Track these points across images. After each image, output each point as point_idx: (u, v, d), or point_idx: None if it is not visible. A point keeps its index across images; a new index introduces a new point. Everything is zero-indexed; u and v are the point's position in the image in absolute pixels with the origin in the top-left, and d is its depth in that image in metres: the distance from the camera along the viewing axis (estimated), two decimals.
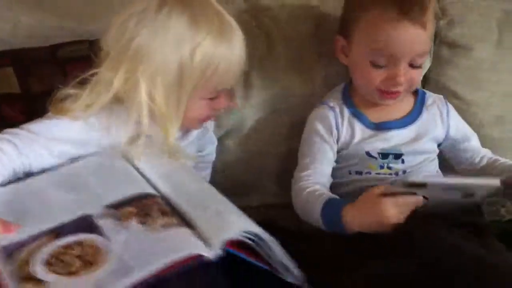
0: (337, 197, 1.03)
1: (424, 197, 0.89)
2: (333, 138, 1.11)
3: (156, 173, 0.87)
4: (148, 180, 0.86)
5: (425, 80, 1.28)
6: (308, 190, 1.04)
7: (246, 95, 1.22)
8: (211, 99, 0.99)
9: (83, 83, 0.94)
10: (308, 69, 1.24)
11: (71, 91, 0.94)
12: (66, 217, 0.75)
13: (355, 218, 0.93)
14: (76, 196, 0.81)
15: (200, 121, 1.04)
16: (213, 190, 0.87)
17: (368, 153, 1.09)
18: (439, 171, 1.14)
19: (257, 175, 1.26)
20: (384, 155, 1.09)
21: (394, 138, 1.09)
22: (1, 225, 0.76)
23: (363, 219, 0.92)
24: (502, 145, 1.23)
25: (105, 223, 0.74)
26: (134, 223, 0.73)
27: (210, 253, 0.69)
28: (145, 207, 0.77)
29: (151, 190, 0.82)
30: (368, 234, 0.92)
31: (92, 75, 0.93)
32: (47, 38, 1.18)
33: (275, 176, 1.26)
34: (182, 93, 0.94)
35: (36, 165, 0.91)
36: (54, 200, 0.80)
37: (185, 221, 0.76)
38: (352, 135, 1.11)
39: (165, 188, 0.84)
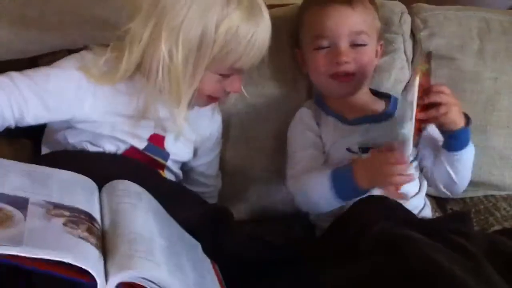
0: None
1: None
2: (314, 135, 1.14)
3: (110, 208, 0.83)
4: (100, 209, 0.83)
5: (407, 88, 1.28)
6: (305, 173, 1.07)
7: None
8: (224, 76, 0.99)
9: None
10: (292, 80, 1.25)
11: (106, 55, 0.97)
12: (5, 190, 0.76)
13: (365, 177, 1.00)
14: (29, 183, 0.80)
15: (207, 98, 1.03)
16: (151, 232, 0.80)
17: (349, 149, 1.11)
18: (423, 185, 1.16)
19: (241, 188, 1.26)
20: (364, 149, 1.11)
21: (371, 131, 1.13)
22: None
23: (371, 179, 1.00)
24: (485, 153, 1.26)
25: (33, 209, 0.74)
26: (56, 220, 0.73)
27: (99, 281, 0.66)
28: (79, 219, 0.76)
29: (96, 215, 0.79)
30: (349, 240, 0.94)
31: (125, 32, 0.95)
32: (26, 52, 1.14)
33: (261, 188, 1.26)
34: (200, 61, 0.94)
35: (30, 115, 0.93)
36: (9, 176, 0.80)
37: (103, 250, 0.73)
38: (330, 132, 1.14)
39: (107, 221, 0.80)
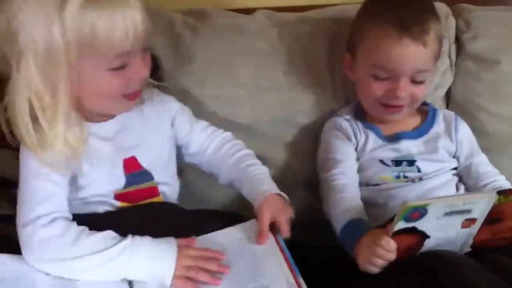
0: (360, 217, 1.01)
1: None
2: (351, 144, 1.13)
3: None
4: None
5: (449, 94, 1.27)
6: (338, 195, 1.05)
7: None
8: (117, 69, 0.93)
9: None
10: (330, 87, 1.23)
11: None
12: None
13: (358, 254, 0.92)
14: None
15: (123, 97, 0.97)
16: None
17: (382, 161, 1.10)
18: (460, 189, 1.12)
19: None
20: (398, 162, 1.10)
21: (406, 147, 1.11)
22: None
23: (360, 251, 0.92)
24: None
25: None
26: None
27: None
28: None
29: None
30: None
31: None
32: None
33: (301, 193, 1.24)
34: (59, 74, 0.89)
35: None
36: None
37: None
38: (366, 143, 1.13)
39: None
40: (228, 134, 1.13)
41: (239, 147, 1.11)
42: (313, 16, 1.27)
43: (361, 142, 1.13)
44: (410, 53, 1.03)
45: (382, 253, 0.87)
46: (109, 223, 0.95)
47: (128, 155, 1.02)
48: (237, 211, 1.18)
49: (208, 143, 1.11)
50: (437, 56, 1.11)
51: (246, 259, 0.93)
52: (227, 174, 1.09)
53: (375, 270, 0.89)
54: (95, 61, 0.91)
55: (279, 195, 1.02)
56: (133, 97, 0.99)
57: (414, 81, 1.07)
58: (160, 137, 1.07)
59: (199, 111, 1.17)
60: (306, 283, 0.90)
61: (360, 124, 1.15)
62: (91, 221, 0.95)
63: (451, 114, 1.18)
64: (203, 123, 1.12)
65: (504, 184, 1.11)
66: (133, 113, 1.03)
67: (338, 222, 1.00)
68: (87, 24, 0.87)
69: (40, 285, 0.87)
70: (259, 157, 1.20)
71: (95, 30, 0.88)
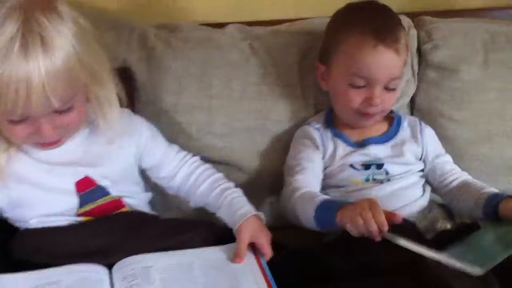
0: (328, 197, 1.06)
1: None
2: (319, 152, 1.17)
3: None
4: None
5: (413, 101, 1.32)
6: (299, 192, 1.08)
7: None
8: (18, 122, 0.89)
9: None
10: (301, 96, 1.28)
11: None
12: None
13: (343, 211, 0.95)
14: None
15: (27, 142, 0.97)
16: None
17: (352, 166, 1.15)
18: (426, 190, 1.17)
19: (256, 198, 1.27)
20: (367, 166, 1.15)
21: (374, 152, 1.16)
22: None
23: (344, 214, 0.94)
24: (491, 162, 1.27)
25: None
26: None
27: None
28: None
29: None
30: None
31: None
32: None
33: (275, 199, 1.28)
34: None
35: None
36: None
37: None
38: (335, 151, 1.17)
39: None
40: (196, 159, 1.15)
41: (210, 172, 1.13)
42: (283, 29, 1.32)
43: (329, 151, 1.17)
44: (385, 61, 1.09)
45: (369, 216, 0.89)
46: (75, 234, 0.99)
47: (80, 176, 1.02)
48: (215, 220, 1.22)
49: (178, 169, 1.12)
50: (406, 63, 1.17)
51: (226, 279, 0.95)
52: (200, 198, 1.11)
53: (354, 231, 0.92)
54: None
55: (257, 215, 1.05)
56: (50, 145, 0.97)
57: (387, 88, 1.12)
58: (119, 154, 1.06)
59: (174, 121, 1.21)
60: (286, 285, 0.93)
61: (329, 133, 1.19)
62: (57, 232, 0.99)
63: (415, 119, 1.24)
64: (174, 148, 1.14)
65: (468, 178, 1.17)
66: (88, 133, 1.03)
67: (309, 207, 1.02)
68: None
69: None
70: (235, 164, 1.24)
71: None
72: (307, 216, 1.03)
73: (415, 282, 0.88)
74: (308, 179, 1.12)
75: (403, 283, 0.89)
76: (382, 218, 0.89)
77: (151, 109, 1.20)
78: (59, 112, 0.90)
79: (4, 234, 1.02)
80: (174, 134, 1.22)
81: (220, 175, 1.13)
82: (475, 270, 0.88)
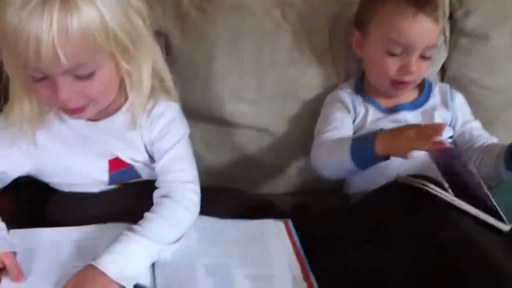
0: None
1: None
2: (350, 116, 1.19)
3: None
4: None
5: (444, 69, 1.33)
6: (332, 139, 1.11)
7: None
8: (40, 79, 0.89)
9: None
10: (331, 63, 1.29)
11: None
12: None
13: (385, 138, 1.02)
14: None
15: (53, 105, 0.97)
16: None
17: (382, 131, 1.15)
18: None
19: (285, 163, 1.32)
20: None
21: (404, 118, 1.18)
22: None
23: (391, 140, 1.01)
24: None
25: None
26: None
27: None
28: None
29: None
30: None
31: None
32: None
33: (303, 164, 1.31)
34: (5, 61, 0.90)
35: None
36: None
37: None
38: (366, 116, 1.19)
39: None
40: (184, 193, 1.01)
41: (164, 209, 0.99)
42: None
43: (360, 115, 1.19)
44: (424, 29, 1.10)
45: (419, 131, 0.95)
46: (108, 198, 1.03)
47: (112, 156, 1.03)
48: (245, 185, 1.27)
49: (162, 180, 1.02)
50: (441, 32, 1.18)
51: (256, 250, 0.98)
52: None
53: (406, 150, 0.97)
54: (16, 66, 0.89)
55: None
56: (73, 113, 0.95)
57: (423, 57, 1.13)
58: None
59: (208, 85, 1.24)
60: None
61: (360, 98, 1.21)
62: (89, 196, 1.04)
63: (445, 86, 1.25)
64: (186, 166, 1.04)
65: (496, 142, 1.17)
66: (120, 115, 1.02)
67: (343, 147, 1.05)
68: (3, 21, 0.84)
69: None
70: (262, 129, 1.28)
71: (6, 29, 0.84)
72: (342, 157, 1.05)
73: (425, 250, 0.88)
74: (339, 134, 1.14)
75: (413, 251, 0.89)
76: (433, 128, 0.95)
77: (186, 73, 1.23)
78: (79, 77, 0.89)
79: (41, 194, 1.08)
80: (207, 99, 1.26)
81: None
82: (503, 226, 0.90)
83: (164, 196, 0.98)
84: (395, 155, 1.00)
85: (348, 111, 1.19)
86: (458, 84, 1.29)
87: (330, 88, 1.27)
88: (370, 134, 1.06)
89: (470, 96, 1.27)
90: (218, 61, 1.25)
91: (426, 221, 0.92)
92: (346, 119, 1.18)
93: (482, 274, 0.80)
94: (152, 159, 1.04)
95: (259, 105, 1.27)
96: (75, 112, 0.95)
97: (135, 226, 0.92)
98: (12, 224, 0.95)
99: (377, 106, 1.20)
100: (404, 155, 0.98)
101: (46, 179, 1.06)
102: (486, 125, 1.23)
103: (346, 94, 1.21)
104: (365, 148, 1.03)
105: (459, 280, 0.80)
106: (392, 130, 1.06)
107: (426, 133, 0.95)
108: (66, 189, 1.06)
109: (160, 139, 1.02)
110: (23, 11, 0.82)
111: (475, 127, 1.21)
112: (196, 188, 1.00)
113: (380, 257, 0.88)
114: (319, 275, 0.92)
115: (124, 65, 0.93)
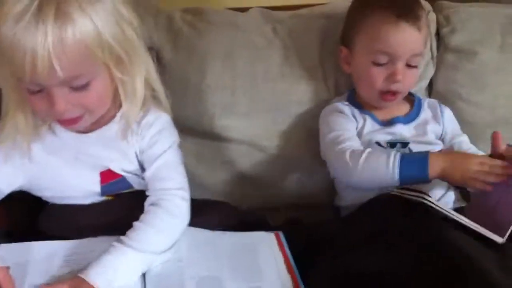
0: None
1: None
2: (354, 122, 1.20)
3: None
4: None
5: (431, 85, 1.35)
6: (364, 152, 1.08)
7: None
8: (36, 92, 0.90)
9: None
10: (321, 78, 1.31)
11: None
12: None
13: (441, 162, 1.03)
14: None
15: (46, 117, 0.98)
16: None
17: (378, 143, 1.18)
18: None
19: (276, 177, 1.32)
20: (392, 144, 1.18)
21: (399, 131, 1.20)
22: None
23: (448, 166, 1.03)
24: None
25: None
26: None
27: None
28: None
29: None
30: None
31: None
32: None
33: (295, 178, 1.32)
34: None
35: None
36: None
37: None
38: (364, 127, 1.20)
39: None
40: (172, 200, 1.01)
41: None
42: (305, 13, 1.36)
43: (359, 125, 1.21)
44: (407, 37, 1.13)
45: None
46: (100, 210, 1.02)
47: (105, 167, 1.03)
48: (236, 199, 1.27)
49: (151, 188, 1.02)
50: (426, 42, 1.21)
51: (247, 262, 0.98)
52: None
53: (478, 184, 1.01)
54: (15, 75, 0.88)
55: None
56: (68, 124, 0.96)
57: (409, 65, 1.16)
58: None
59: (200, 100, 1.25)
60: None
61: (356, 110, 1.22)
62: (81, 209, 1.03)
63: (434, 101, 1.27)
64: (173, 175, 1.03)
65: None
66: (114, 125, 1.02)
67: (388, 160, 1.04)
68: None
69: None
70: (253, 143, 1.28)
71: (1, 43, 0.84)
72: (385, 172, 1.05)
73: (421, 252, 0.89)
74: (351, 141, 1.14)
75: (408, 253, 0.90)
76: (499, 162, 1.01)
77: (178, 87, 1.24)
78: (74, 88, 0.90)
79: (34, 207, 1.07)
80: (199, 114, 1.26)
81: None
82: (497, 237, 0.91)
83: (153, 204, 0.98)
84: (454, 182, 1.06)
85: (351, 120, 1.21)
86: (445, 99, 1.31)
87: (321, 103, 1.28)
88: (423, 153, 1.07)
89: (457, 112, 1.29)
90: (209, 76, 1.26)
91: (427, 225, 0.94)
92: (352, 127, 1.19)
93: (482, 280, 0.81)
94: (143, 168, 1.05)
95: (250, 120, 1.28)
96: (70, 122, 0.95)
97: (123, 237, 0.93)
98: (6, 237, 0.95)
99: (374, 118, 1.21)
100: (469, 185, 1.04)
101: (39, 193, 1.06)
102: (473, 141, 1.24)
103: (344, 106, 1.22)
104: (417, 168, 1.04)
105: (460, 284, 0.81)
106: (449, 155, 1.09)
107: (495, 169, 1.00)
108: (58, 201, 1.06)
109: (150, 147, 1.03)
110: (17, 25, 0.83)
111: (464, 141, 1.23)
112: (185, 194, 1.00)
113: (381, 260, 0.89)
114: (318, 281, 0.93)
115: (118, 75, 0.95)
